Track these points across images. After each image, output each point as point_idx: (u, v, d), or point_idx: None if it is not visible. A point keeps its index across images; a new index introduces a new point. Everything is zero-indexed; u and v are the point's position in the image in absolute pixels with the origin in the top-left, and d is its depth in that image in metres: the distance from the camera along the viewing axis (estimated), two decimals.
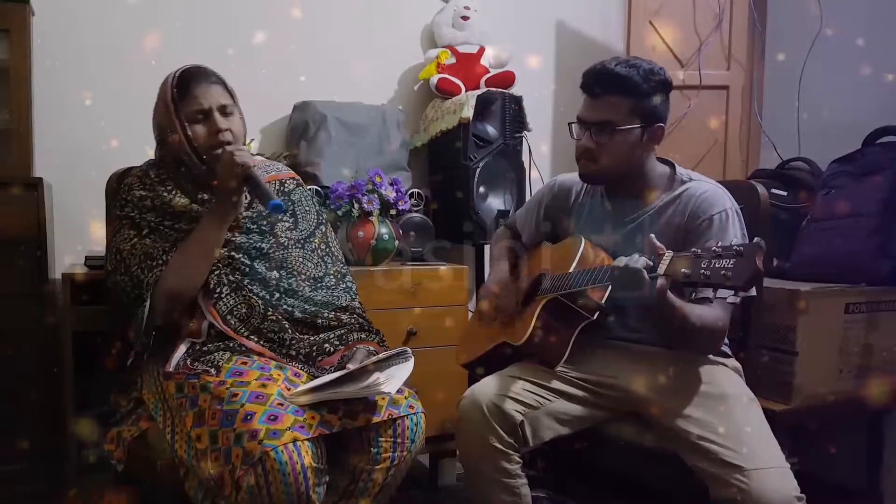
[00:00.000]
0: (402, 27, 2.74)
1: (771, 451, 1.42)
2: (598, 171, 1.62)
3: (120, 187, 1.58)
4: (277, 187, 1.69)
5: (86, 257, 2.08)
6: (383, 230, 2.22)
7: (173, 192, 1.56)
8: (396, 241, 2.26)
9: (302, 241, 1.66)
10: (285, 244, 1.63)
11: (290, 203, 1.69)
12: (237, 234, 1.58)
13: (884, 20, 2.45)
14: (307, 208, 1.72)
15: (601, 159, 1.60)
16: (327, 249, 1.71)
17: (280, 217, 1.64)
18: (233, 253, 1.56)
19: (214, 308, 1.52)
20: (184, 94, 1.54)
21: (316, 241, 1.69)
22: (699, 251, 1.26)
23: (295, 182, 1.75)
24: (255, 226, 1.61)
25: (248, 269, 1.56)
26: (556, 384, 1.60)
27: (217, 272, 1.53)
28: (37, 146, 2.12)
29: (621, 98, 1.56)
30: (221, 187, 1.51)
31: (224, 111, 1.56)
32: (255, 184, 1.50)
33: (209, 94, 1.54)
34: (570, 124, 1.66)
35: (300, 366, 1.53)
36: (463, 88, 2.57)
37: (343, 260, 1.75)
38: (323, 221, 1.74)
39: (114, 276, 1.53)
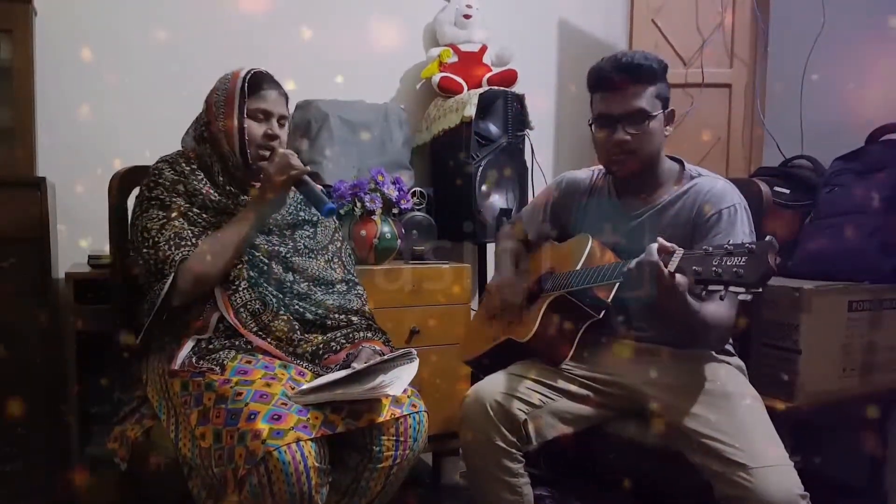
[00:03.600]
0: (404, 26, 2.74)
1: (774, 449, 1.42)
2: (635, 162, 1.60)
3: (149, 170, 1.60)
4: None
5: (89, 256, 2.08)
6: (385, 229, 2.22)
7: (203, 182, 1.59)
8: (399, 240, 2.26)
9: (317, 252, 1.69)
10: (301, 251, 1.65)
11: (311, 214, 1.73)
12: (258, 235, 1.60)
13: (886, 16, 2.44)
14: (327, 223, 1.76)
15: (639, 150, 1.59)
16: (339, 262, 1.73)
17: (327, 221, 1.73)
18: (252, 251, 1.58)
19: (229, 300, 1.53)
20: (254, 90, 1.59)
21: (329, 253, 1.72)
22: (710, 248, 1.24)
23: None
24: (276, 229, 1.64)
25: (265, 268, 1.58)
26: (560, 383, 1.60)
27: (238, 266, 1.56)
28: (39, 146, 2.12)
29: (647, 86, 1.57)
30: (270, 185, 1.55)
31: (281, 122, 1.63)
32: (308, 188, 1.57)
33: (277, 102, 1.62)
34: (590, 123, 1.65)
35: (305, 364, 1.53)
36: (465, 87, 2.57)
37: (355, 273, 1.77)
38: (340, 238, 1.78)
39: (138, 251, 1.53)
